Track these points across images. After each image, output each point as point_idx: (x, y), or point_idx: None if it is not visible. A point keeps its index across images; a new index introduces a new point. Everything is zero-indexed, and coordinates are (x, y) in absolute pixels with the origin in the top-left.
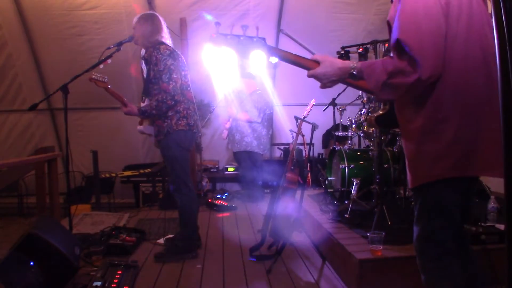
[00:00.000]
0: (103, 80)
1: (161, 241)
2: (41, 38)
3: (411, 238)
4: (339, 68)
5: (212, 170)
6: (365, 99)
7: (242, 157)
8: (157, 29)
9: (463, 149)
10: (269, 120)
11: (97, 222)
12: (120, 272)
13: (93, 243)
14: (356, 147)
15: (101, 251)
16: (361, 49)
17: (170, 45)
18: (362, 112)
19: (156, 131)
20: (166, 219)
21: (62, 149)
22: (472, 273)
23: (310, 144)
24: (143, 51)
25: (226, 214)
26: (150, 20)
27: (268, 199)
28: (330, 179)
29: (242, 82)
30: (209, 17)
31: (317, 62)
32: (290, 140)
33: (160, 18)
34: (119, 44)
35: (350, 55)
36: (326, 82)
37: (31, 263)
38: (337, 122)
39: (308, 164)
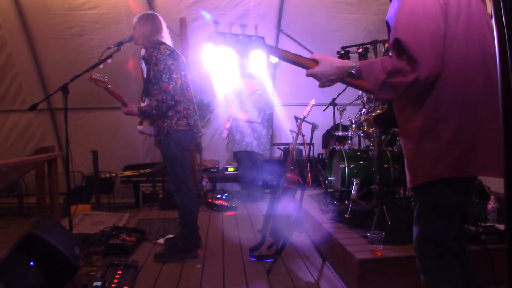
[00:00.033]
0: (103, 80)
1: (161, 241)
2: (41, 38)
3: (411, 238)
4: (338, 67)
5: (212, 170)
6: (365, 99)
7: (242, 157)
8: (157, 29)
9: (463, 149)
10: (269, 120)
11: (97, 222)
12: (120, 272)
13: (93, 243)
14: (356, 147)
15: (101, 251)
16: (361, 49)
17: (170, 45)
18: (362, 112)
19: (156, 131)
20: (166, 219)
21: (62, 149)
22: (469, 273)
23: (310, 144)
24: (143, 51)
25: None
26: (150, 20)
27: (268, 199)
28: (330, 179)
29: (242, 82)
30: (207, 15)
31: (316, 61)
32: (290, 140)
33: (160, 18)
34: (119, 44)
35: (350, 55)
36: (325, 81)
37: (31, 263)
38: (337, 122)
39: (308, 164)
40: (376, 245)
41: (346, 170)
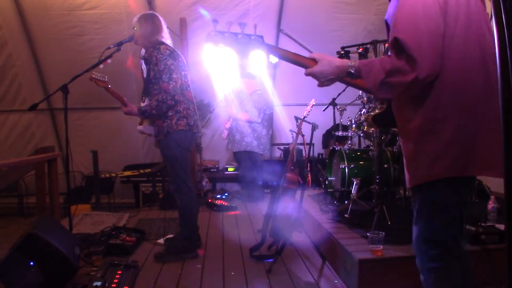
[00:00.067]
0: (103, 79)
1: (161, 241)
2: (41, 38)
3: (411, 238)
4: (337, 67)
5: (212, 170)
6: (365, 99)
7: (242, 157)
8: (157, 29)
9: (462, 149)
10: (269, 120)
11: (97, 222)
12: (120, 272)
13: (93, 243)
14: (356, 147)
15: (101, 251)
16: (361, 49)
17: (170, 45)
18: (362, 112)
19: (156, 131)
20: (166, 219)
21: (62, 149)
22: (467, 273)
23: (310, 144)
24: (143, 51)
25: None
26: (150, 20)
27: (268, 199)
28: (330, 179)
29: (242, 82)
30: (204, 12)
31: (315, 61)
32: (290, 140)
33: (160, 18)
34: (119, 44)
35: (350, 55)
36: (324, 80)
37: (31, 263)
38: (337, 122)
39: (308, 164)
40: (376, 245)
41: (346, 170)
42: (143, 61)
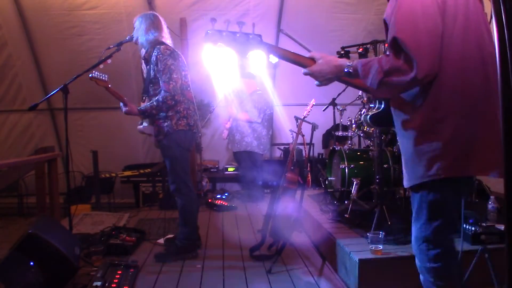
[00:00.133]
0: (103, 79)
1: (161, 241)
2: (41, 38)
3: (411, 238)
4: (335, 66)
5: (212, 170)
6: (365, 99)
7: (242, 157)
8: (157, 29)
9: (461, 149)
10: (269, 120)
11: (97, 222)
12: (120, 272)
13: (93, 243)
14: (356, 147)
15: (101, 251)
16: (361, 49)
17: (170, 45)
18: (362, 112)
19: (156, 131)
20: (166, 219)
21: (62, 149)
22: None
23: (310, 144)
24: (143, 51)
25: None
26: (150, 20)
27: (268, 199)
28: (330, 179)
29: (242, 82)
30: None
31: (313, 60)
32: (290, 140)
33: (160, 18)
34: (119, 44)
35: (350, 55)
36: (322, 80)
37: (31, 263)
38: (337, 122)
39: (308, 164)
40: (376, 245)
41: (346, 170)
42: (143, 61)
